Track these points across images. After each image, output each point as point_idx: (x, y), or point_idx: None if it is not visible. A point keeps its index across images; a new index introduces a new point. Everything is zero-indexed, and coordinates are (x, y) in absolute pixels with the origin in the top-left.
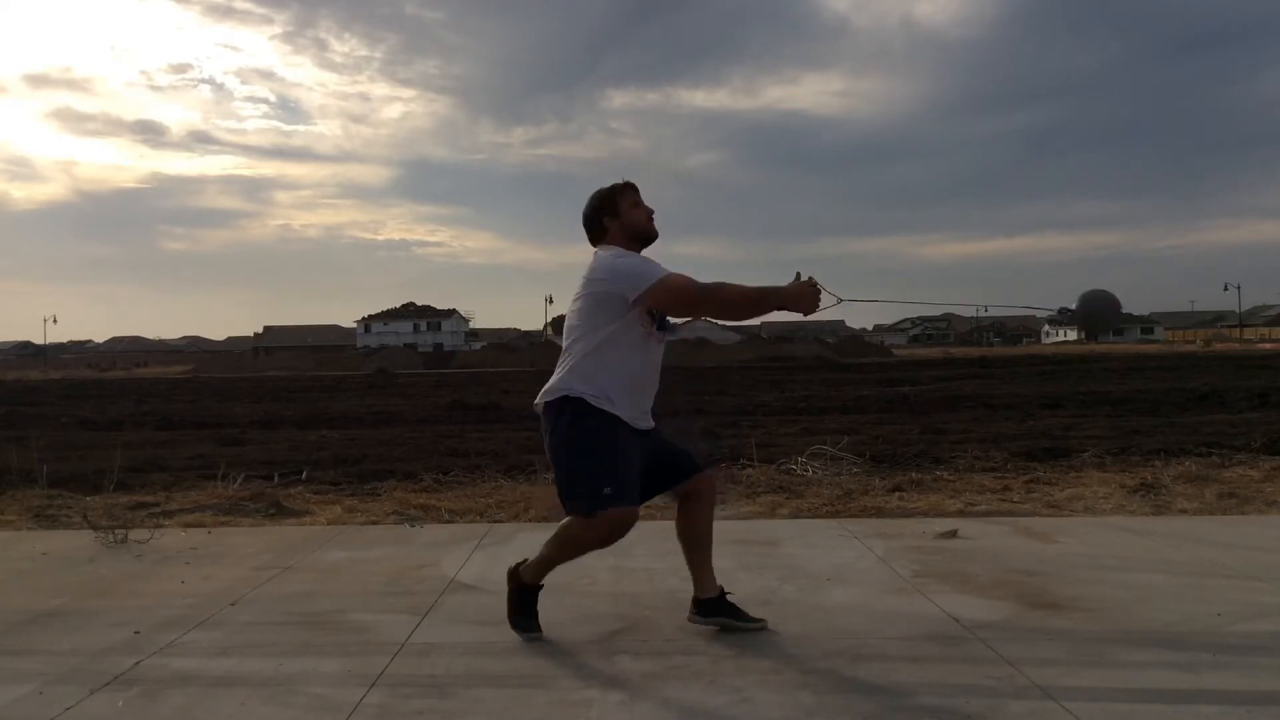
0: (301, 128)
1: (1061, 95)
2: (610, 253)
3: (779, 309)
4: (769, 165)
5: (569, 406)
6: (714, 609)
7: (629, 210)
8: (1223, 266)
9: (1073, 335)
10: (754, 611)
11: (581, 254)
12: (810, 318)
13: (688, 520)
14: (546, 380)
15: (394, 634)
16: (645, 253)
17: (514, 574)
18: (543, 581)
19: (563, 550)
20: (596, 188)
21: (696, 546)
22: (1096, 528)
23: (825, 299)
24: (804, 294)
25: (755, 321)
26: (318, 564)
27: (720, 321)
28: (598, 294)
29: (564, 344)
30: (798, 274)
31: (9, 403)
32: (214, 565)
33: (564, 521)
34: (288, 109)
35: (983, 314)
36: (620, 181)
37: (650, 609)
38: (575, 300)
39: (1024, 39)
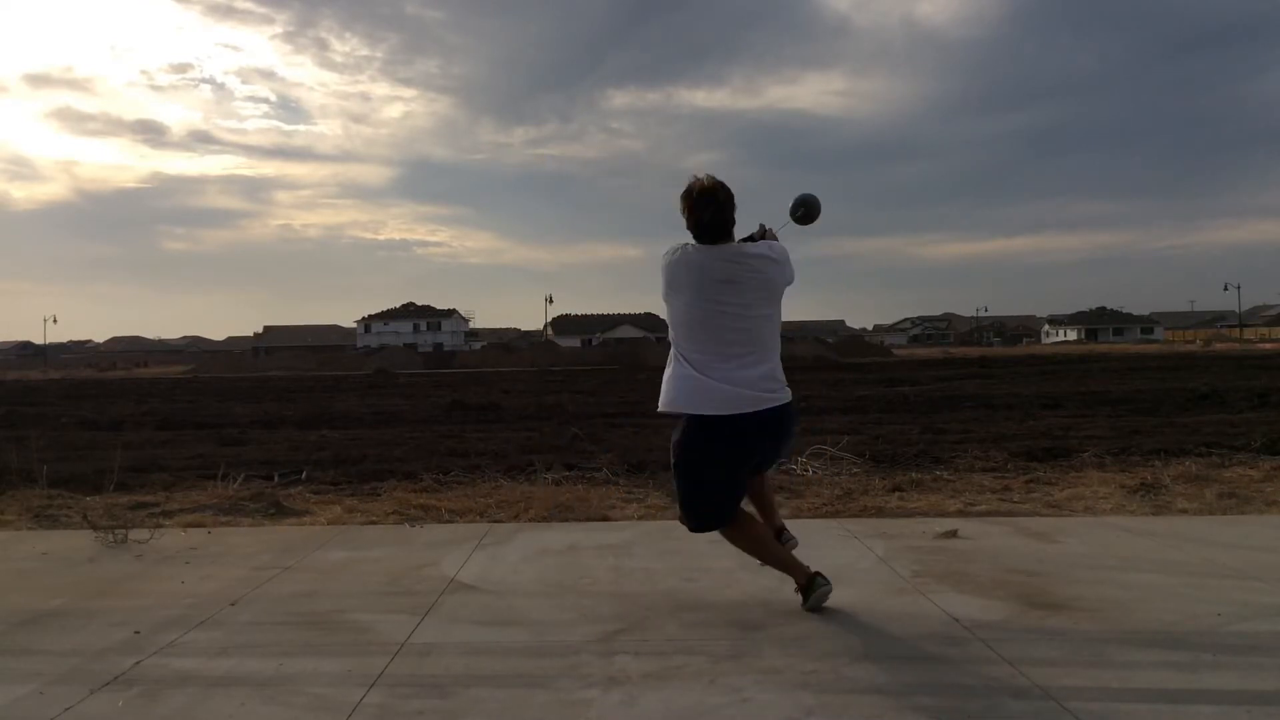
0: (302, 127)
1: (1061, 95)
2: (775, 246)
3: None
4: (769, 165)
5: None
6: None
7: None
8: (1223, 266)
9: (1073, 335)
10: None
11: (582, 254)
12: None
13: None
14: (546, 380)
15: (394, 634)
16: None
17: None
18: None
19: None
20: (607, 199)
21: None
22: (1096, 528)
23: None
24: None
25: None
26: (318, 564)
27: None
28: (781, 287)
29: (772, 342)
30: None
31: (9, 403)
32: (214, 565)
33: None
34: (288, 109)
35: (982, 312)
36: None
37: (650, 609)
38: (768, 302)
39: (1024, 39)
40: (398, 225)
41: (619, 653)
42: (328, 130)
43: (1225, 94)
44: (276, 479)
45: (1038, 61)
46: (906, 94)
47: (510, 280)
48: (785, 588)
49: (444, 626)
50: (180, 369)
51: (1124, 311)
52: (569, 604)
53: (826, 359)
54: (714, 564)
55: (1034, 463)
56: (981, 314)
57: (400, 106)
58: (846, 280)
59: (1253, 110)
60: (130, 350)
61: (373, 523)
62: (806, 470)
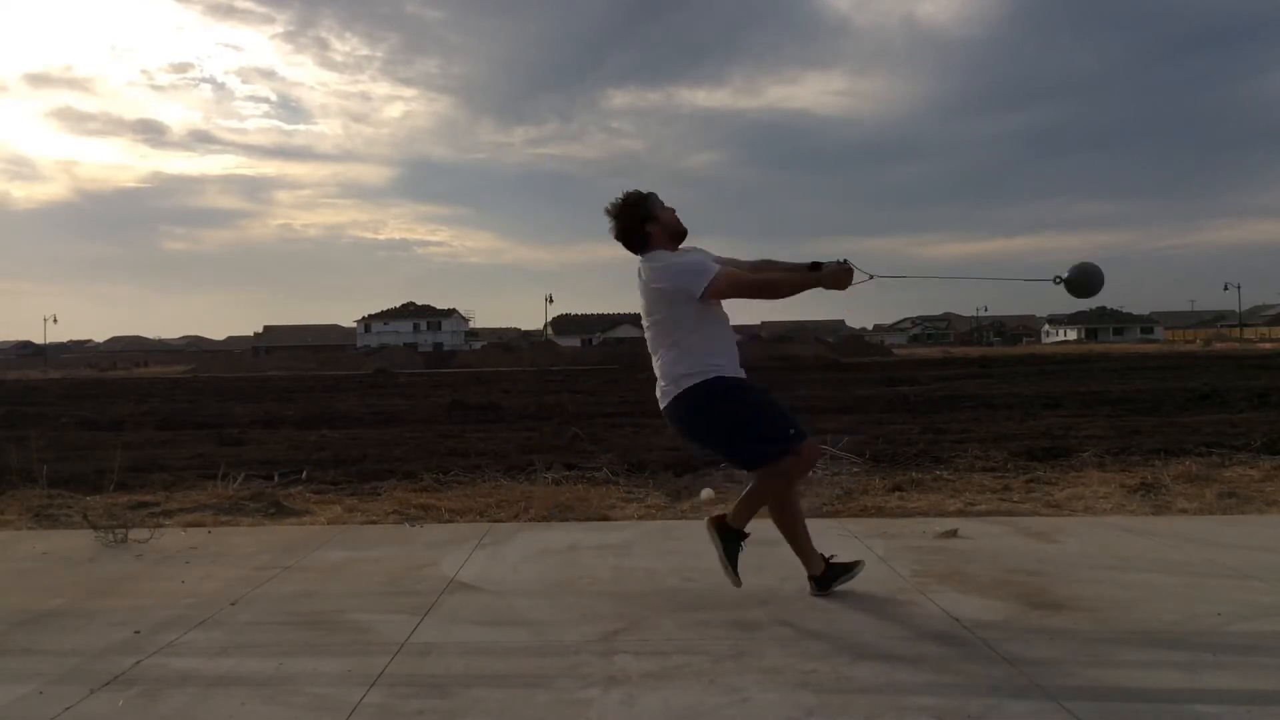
0: (302, 127)
1: (1061, 95)
2: (663, 259)
3: (817, 286)
4: (770, 165)
5: (719, 384)
6: (824, 581)
7: (664, 213)
8: (1223, 266)
9: (1073, 335)
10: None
11: (581, 254)
12: (842, 293)
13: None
14: (546, 379)
15: (394, 634)
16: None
17: (717, 521)
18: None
19: (763, 499)
20: (607, 199)
21: (789, 531)
22: (1096, 528)
23: (858, 276)
24: (838, 274)
25: (755, 321)
26: (318, 564)
27: (768, 301)
28: (669, 294)
29: (660, 344)
30: (837, 262)
31: (9, 403)
32: (214, 565)
33: (754, 484)
34: (289, 108)
35: (982, 312)
36: (642, 190)
37: (650, 609)
38: (651, 311)
39: (1025, 38)
40: (398, 225)
41: (619, 653)
42: (328, 130)
43: (1225, 94)
44: (276, 479)
45: (1038, 61)
46: (907, 94)
47: (510, 280)
48: (785, 588)
49: (444, 626)
50: (180, 369)
51: (1124, 311)
52: (569, 604)
53: (827, 359)
54: (714, 564)
55: (1034, 462)
56: (981, 314)
57: (400, 106)
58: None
59: (1253, 110)
60: (130, 350)
61: (373, 522)
62: None
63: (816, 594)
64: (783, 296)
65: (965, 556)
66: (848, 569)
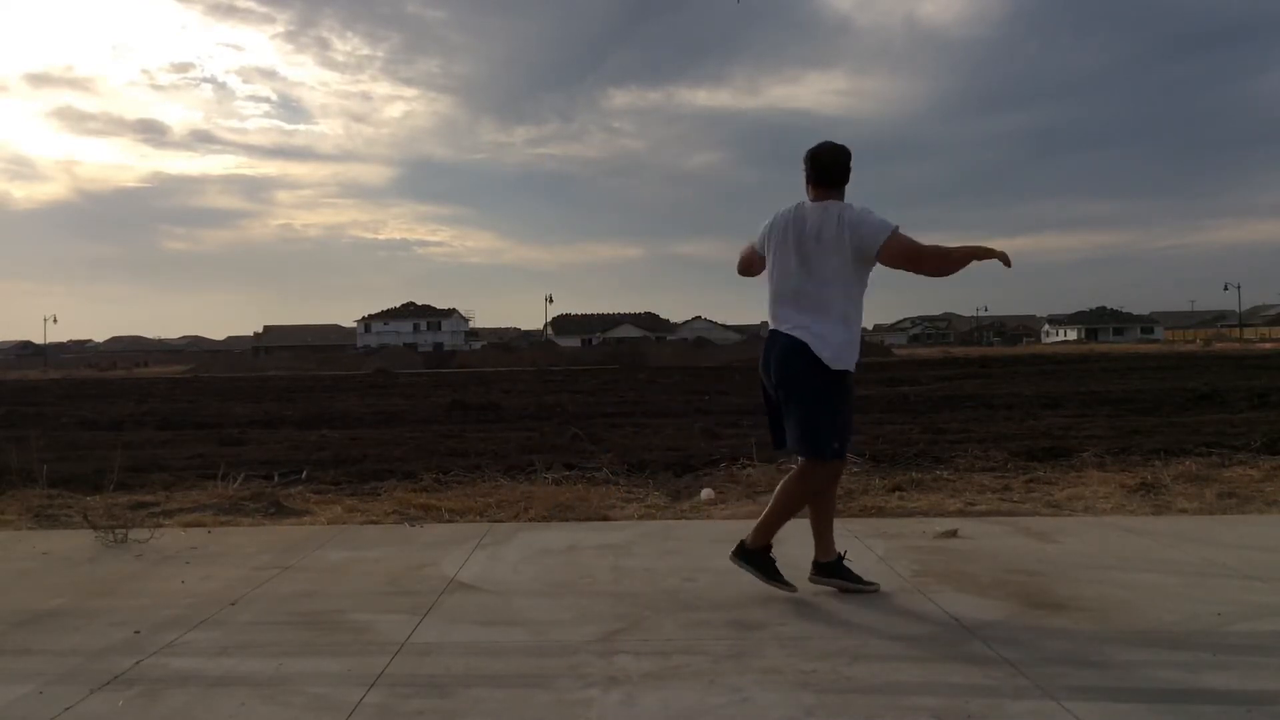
0: (303, 127)
1: (1062, 95)
2: (860, 208)
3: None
4: (770, 165)
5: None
6: (830, 570)
7: None
8: (1223, 266)
9: (1073, 335)
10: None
11: (582, 254)
12: None
13: None
14: (546, 379)
15: (394, 634)
16: None
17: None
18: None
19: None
20: (608, 199)
21: (816, 514)
22: (1096, 528)
23: None
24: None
25: (755, 321)
26: (318, 564)
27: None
28: (858, 244)
29: (807, 288)
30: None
31: (9, 403)
32: (214, 565)
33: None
34: (289, 108)
35: (982, 312)
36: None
37: (650, 609)
38: (823, 245)
39: (1026, 38)
40: (398, 225)
41: (619, 653)
42: (329, 130)
43: (1226, 94)
44: (276, 479)
45: (1039, 61)
46: (907, 93)
47: (510, 280)
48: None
49: (444, 626)
50: (180, 369)
51: (1124, 311)
52: (569, 604)
53: None
54: (714, 564)
55: (1034, 462)
56: (981, 314)
57: (401, 106)
58: None
59: (1253, 110)
60: (130, 350)
61: (373, 523)
62: None
63: (812, 578)
64: (946, 272)
65: (965, 556)
66: (854, 579)
